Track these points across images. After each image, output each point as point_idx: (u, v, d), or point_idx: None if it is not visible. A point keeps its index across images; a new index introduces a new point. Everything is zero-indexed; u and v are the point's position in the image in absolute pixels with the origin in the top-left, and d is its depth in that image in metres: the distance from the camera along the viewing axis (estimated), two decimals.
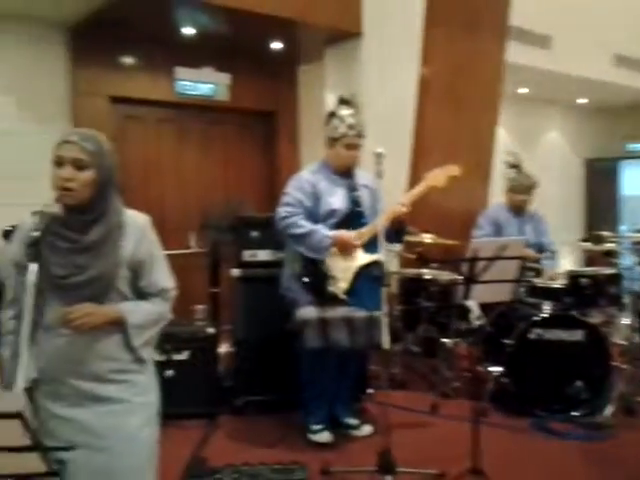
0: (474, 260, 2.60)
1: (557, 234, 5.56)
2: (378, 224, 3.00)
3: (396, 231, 3.20)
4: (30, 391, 1.63)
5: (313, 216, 3.14)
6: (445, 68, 5.15)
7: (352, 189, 3.24)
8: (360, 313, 3.10)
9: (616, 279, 3.79)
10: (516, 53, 6.45)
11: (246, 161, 5.96)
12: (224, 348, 3.92)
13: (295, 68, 6.24)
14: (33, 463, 1.15)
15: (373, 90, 5.29)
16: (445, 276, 4.20)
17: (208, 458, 2.86)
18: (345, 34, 5.33)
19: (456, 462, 2.72)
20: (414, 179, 5.23)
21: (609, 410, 3.41)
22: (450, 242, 4.10)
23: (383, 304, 2.73)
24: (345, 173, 3.25)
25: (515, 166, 4.28)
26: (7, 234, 3.52)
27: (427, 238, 4.14)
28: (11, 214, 3.96)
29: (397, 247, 4.32)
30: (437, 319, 4.15)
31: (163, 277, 1.82)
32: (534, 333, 3.50)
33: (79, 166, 1.64)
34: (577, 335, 3.50)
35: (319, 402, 3.29)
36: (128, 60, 5.19)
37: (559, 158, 8.62)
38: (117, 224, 1.73)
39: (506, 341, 3.55)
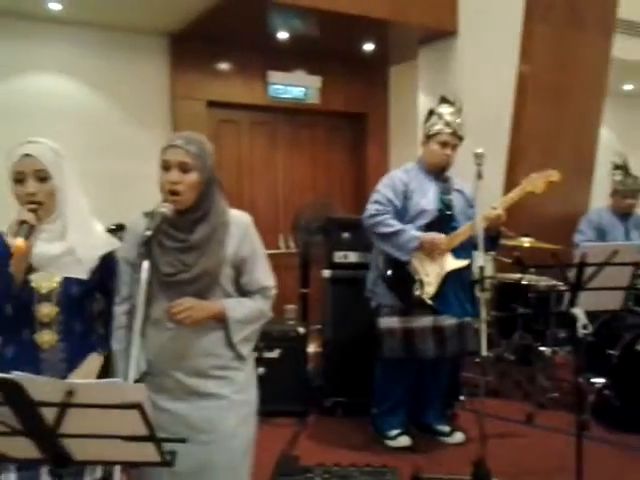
0: (582, 266, 2.45)
1: None
2: (470, 229, 2.95)
3: (491, 237, 3.05)
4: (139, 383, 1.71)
5: (402, 216, 3.09)
6: (545, 65, 4.93)
7: (445, 192, 3.17)
8: (449, 321, 3.03)
9: None
10: (622, 47, 6.09)
11: (335, 163, 6.00)
12: (313, 348, 3.96)
13: (386, 69, 6.22)
14: (147, 452, 1.20)
15: (468, 90, 5.15)
16: (544, 282, 4.02)
17: (298, 457, 2.89)
18: (440, 33, 5.24)
19: (553, 475, 2.60)
20: (510, 181, 5.05)
21: None
22: (550, 246, 3.91)
23: (481, 310, 2.65)
24: (439, 175, 3.19)
25: (622, 167, 4.03)
26: (110, 232, 3.74)
27: (525, 242, 3.98)
28: (116, 214, 4.23)
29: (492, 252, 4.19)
30: (534, 326, 3.98)
31: (264, 275, 1.84)
32: None
33: (184, 169, 1.70)
34: None
35: (393, 409, 3.24)
36: (224, 65, 5.38)
37: None
38: (222, 223, 1.77)
39: (611, 352, 3.35)
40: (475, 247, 2.98)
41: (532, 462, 3.00)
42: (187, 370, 1.74)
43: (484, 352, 2.66)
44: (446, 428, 3.28)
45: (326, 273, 3.66)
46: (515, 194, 3.16)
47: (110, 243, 1.85)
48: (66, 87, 4.82)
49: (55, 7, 4.41)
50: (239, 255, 1.77)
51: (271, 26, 4.92)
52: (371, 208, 3.10)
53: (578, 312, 2.50)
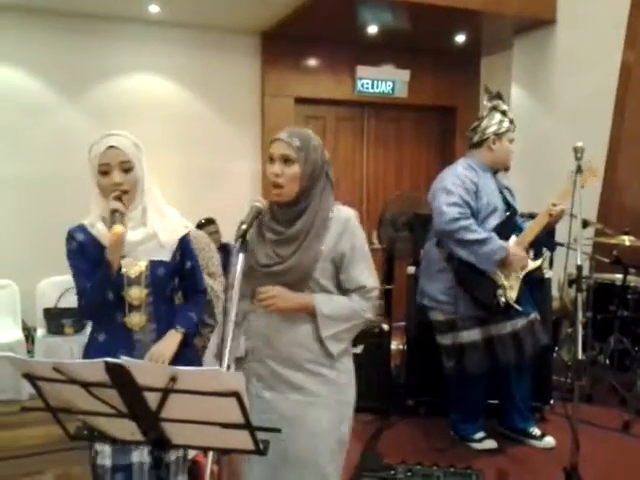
0: None
1: None
2: (539, 227, 2.88)
3: (548, 235, 2.98)
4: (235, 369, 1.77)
5: (474, 216, 2.93)
6: None
7: (502, 189, 3.07)
8: (522, 321, 2.94)
9: None
10: None
11: (422, 158, 5.93)
12: (396, 345, 3.93)
13: (478, 61, 6.06)
14: (242, 439, 1.23)
15: (566, 80, 4.95)
16: None
17: (382, 454, 2.90)
18: (537, 22, 5.04)
19: None
20: (609, 177, 4.80)
21: None
22: None
23: (578, 311, 2.54)
24: (493, 172, 3.07)
25: None
26: (201, 227, 3.90)
27: (625, 240, 3.76)
28: (209, 208, 4.38)
29: (587, 249, 4.01)
30: (632, 329, 3.76)
31: (364, 274, 1.79)
32: None
33: (286, 161, 1.73)
34: None
35: (473, 414, 3.17)
36: (312, 62, 5.44)
37: None
38: (322, 217, 1.77)
39: None
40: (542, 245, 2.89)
41: (628, 472, 2.85)
42: (280, 359, 1.77)
43: (580, 355, 2.54)
44: (536, 431, 3.17)
45: (411, 269, 3.62)
46: (569, 187, 2.88)
47: (185, 226, 1.94)
48: (163, 86, 5.06)
49: (154, 9, 4.62)
50: (338, 250, 1.76)
51: (360, 21, 4.91)
52: (452, 211, 2.88)
53: None
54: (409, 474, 2.71)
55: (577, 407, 3.38)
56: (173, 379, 1.15)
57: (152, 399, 1.20)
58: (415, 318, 3.58)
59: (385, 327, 3.65)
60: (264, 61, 5.28)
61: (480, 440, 3.13)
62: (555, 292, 4.28)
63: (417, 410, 3.56)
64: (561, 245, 3.57)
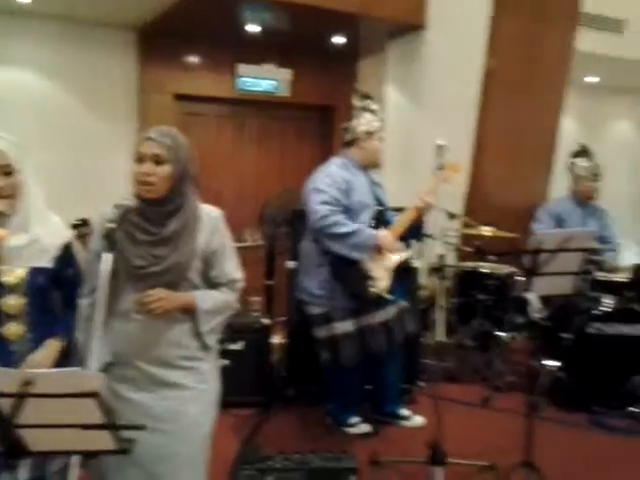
0: (537, 252, 2.56)
1: (627, 227, 5.39)
2: (407, 221, 3.08)
3: (417, 227, 3.20)
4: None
5: (346, 213, 3.08)
6: (511, 58, 5.05)
7: (374, 186, 3.25)
8: (392, 310, 3.14)
9: None
10: (586, 40, 6.24)
11: (304, 156, 6.06)
12: (278, 339, 4.04)
13: (355, 62, 6.28)
14: (104, 440, 1.24)
15: (436, 82, 5.25)
16: (503, 269, 4.17)
17: (260, 446, 2.99)
18: (409, 27, 5.31)
19: (507, 455, 2.73)
20: (476, 173, 5.20)
21: None
22: (510, 235, 4.06)
23: (439, 297, 2.76)
24: (365, 170, 3.25)
25: (583, 153, 4.19)
26: (75, 228, 3.78)
27: (486, 231, 4.12)
28: (82, 208, 4.24)
29: (454, 240, 4.33)
30: (493, 313, 4.12)
31: (233, 268, 1.89)
32: (594, 327, 3.45)
33: (158, 161, 1.75)
34: (638, 330, 3.42)
35: (348, 402, 3.33)
36: (192, 59, 5.40)
37: (629, 148, 8.28)
38: (193, 216, 1.81)
39: (564, 335, 3.51)
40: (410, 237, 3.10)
41: (487, 443, 3.14)
42: (153, 360, 1.78)
43: (441, 337, 2.77)
44: (405, 412, 3.40)
45: (290, 265, 3.73)
46: (434, 183, 3.19)
47: (67, 232, 1.92)
48: (34, 81, 4.82)
49: (25, 0, 4.39)
50: (209, 248, 1.82)
51: (240, 19, 4.94)
52: (322, 209, 3.03)
53: (531, 297, 2.63)
54: (286, 462, 2.82)
55: (442, 387, 3.69)
56: (27, 383, 1.15)
57: (6, 405, 1.18)
58: (295, 312, 3.69)
59: (265, 322, 3.74)
60: (142, 57, 5.17)
61: (355, 425, 3.30)
62: (425, 281, 4.59)
63: (298, 401, 3.67)
64: (429, 237, 3.85)
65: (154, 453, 1.77)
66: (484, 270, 4.20)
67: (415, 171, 5.17)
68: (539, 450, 2.70)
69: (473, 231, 4.21)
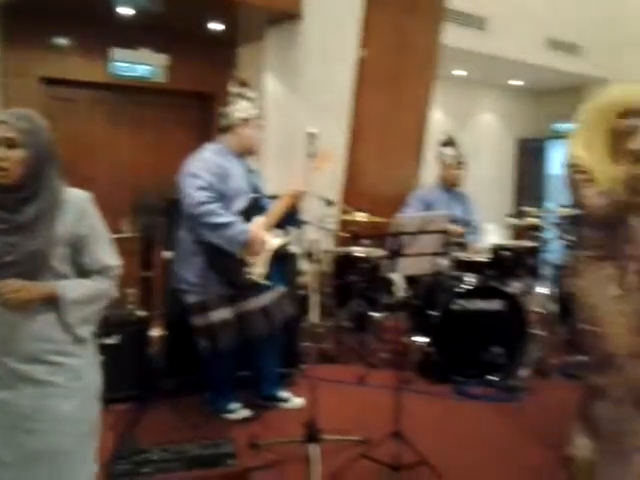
0: (398, 235, 2.71)
1: (490, 211, 5.80)
2: (283, 206, 3.12)
3: (292, 214, 3.25)
4: None
5: (221, 200, 3.05)
6: (383, 50, 5.25)
7: (249, 173, 3.26)
8: (270, 294, 3.18)
9: (534, 251, 4.01)
10: (453, 35, 6.61)
11: (183, 144, 5.93)
12: (157, 332, 3.95)
13: (235, 49, 6.23)
14: None
15: (313, 71, 5.34)
16: (376, 253, 4.35)
17: (137, 440, 2.93)
18: (286, 15, 5.34)
19: (380, 428, 2.86)
20: (352, 162, 5.37)
21: (523, 373, 3.64)
22: (381, 220, 4.24)
23: (313, 281, 2.83)
24: (241, 157, 3.24)
25: (450, 143, 4.45)
26: None
27: (360, 217, 4.28)
28: None
29: (331, 226, 4.45)
30: (367, 294, 4.30)
31: (106, 254, 1.82)
32: (457, 304, 3.69)
33: (10, 145, 1.66)
34: (497, 305, 3.72)
35: (227, 388, 3.34)
36: (61, 40, 5.10)
37: (493, 138, 8.90)
38: (53, 202, 1.72)
39: (431, 312, 3.74)
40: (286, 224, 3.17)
41: (362, 418, 3.28)
42: (17, 355, 1.69)
43: (319, 320, 2.84)
44: (285, 395, 3.47)
45: (167, 254, 3.66)
46: (310, 172, 3.21)
47: None
48: None
49: None
50: (76, 234, 1.74)
51: (111, 0, 4.74)
52: (199, 195, 2.99)
53: (396, 277, 2.78)
54: (163, 454, 2.80)
55: (320, 368, 3.79)
56: None
57: None
58: (173, 303, 3.63)
59: (141, 314, 3.65)
60: (4, 37, 4.81)
61: (235, 411, 3.32)
62: (305, 266, 4.69)
63: (177, 392, 3.61)
64: (307, 223, 3.92)
65: (24, 453, 1.69)
66: (358, 254, 4.36)
67: (294, 159, 5.25)
68: (409, 421, 2.88)
69: (349, 217, 4.36)
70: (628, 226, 2.27)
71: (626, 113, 2.18)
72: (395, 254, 2.64)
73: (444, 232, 2.78)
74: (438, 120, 8.19)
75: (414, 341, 3.90)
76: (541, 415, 3.22)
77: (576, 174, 2.25)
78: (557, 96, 8.62)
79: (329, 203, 4.33)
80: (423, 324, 3.86)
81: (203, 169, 3.05)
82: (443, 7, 5.67)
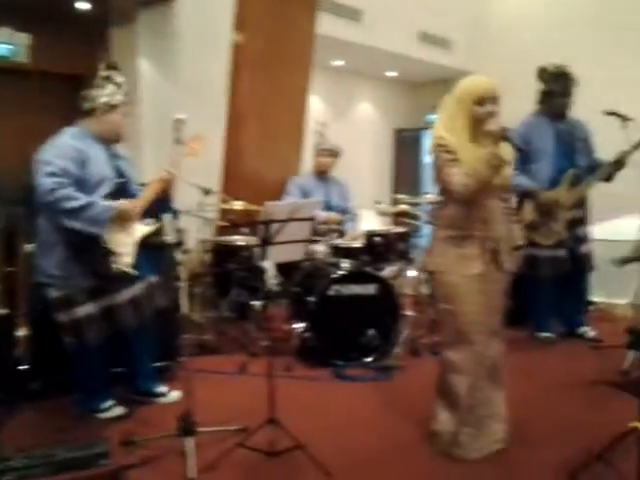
0: (268, 222, 2.71)
1: (369, 198, 5.97)
2: (153, 192, 3.04)
3: (163, 201, 3.16)
4: None
5: (81, 187, 2.90)
6: (258, 35, 5.21)
7: (114, 158, 3.14)
8: (140, 285, 3.09)
9: (405, 237, 4.19)
10: (330, 25, 6.70)
11: (47, 128, 5.54)
12: (22, 331, 3.69)
13: (106, 31, 5.91)
14: None
15: (189, 55, 5.20)
16: (253, 241, 4.34)
17: (0, 447, 2.73)
18: None
19: (259, 416, 2.87)
20: (231, 146, 5.29)
21: (396, 353, 3.81)
22: (258, 208, 4.23)
23: (181, 271, 2.77)
24: (104, 142, 3.11)
25: (320, 133, 4.55)
26: None
27: (237, 205, 4.24)
28: None
29: (211, 215, 4.38)
30: (247, 283, 4.28)
31: None
32: (333, 290, 3.77)
33: None
34: (370, 289, 3.84)
35: (98, 387, 3.20)
36: None
37: (371, 128, 9.18)
38: None
39: (309, 299, 3.79)
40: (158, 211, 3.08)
41: (241, 407, 3.26)
42: None
43: (185, 310, 2.79)
44: (162, 389, 3.38)
45: (28, 247, 3.43)
46: (179, 157, 3.16)
47: None
48: None
49: None
50: None
51: None
52: (47, 182, 2.80)
53: (267, 265, 2.78)
54: (26, 460, 2.62)
55: (201, 359, 3.75)
56: None
57: None
58: (36, 298, 3.40)
59: (3, 312, 3.39)
60: None
61: (108, 409, 3.18)
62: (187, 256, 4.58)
63: (45, 394, 3.41)
64: (180, 212, 3.83)
65: None
66: (236, 243, 4.33)
67: (170, 145, 5.10)
68: (288, 407, 2.91)
69: (227, 205, 4.31)
70: (486, 206, 2.44)
71: (480, 101, 2.37)
72: (265, 242, 2.65)
73: (312, 219, 2.82)
74: (318, 109, 8.30)
75: (293, 328, 3.94)
76: (413, 392, 3.38)
77: (442, 154, 2.41)
78: (431, 88, 9.02)
79: (206, 191, 4.27)
80: (302, 311, 3.91)
81: (56, 155, 2.89)
82: None
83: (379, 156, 9.22)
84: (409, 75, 8.95)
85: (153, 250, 3.23)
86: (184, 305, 2.82)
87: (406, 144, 9.06)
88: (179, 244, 2.81)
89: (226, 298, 4.38)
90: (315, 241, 4.00)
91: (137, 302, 3.07)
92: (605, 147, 4.09)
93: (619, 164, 3.84)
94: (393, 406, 3.22)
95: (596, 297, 5.70)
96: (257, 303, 4.13)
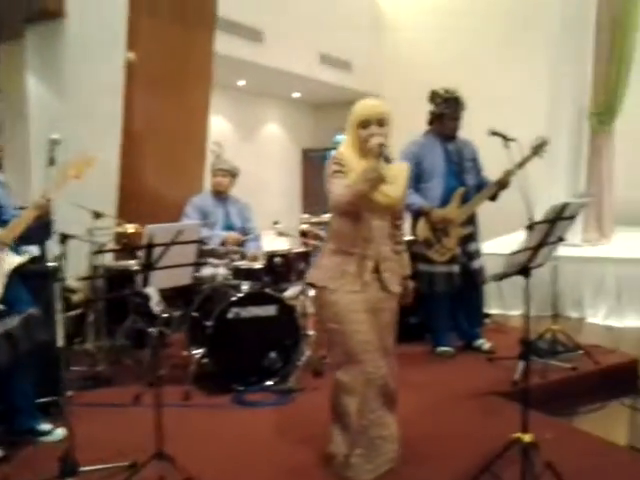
0: (150, 247, 2.59)
1: (279, 217, 5.96)
2: (28, 219, 2.86)
3: (44, 226, 3.02)
4: None
5: None
6: (153, 54, 5.11)
7: None
8: (13, 320, 2.88)
9: (306, 256, 4.17)
10: (231, 45, 6.69)
11: None
12: None
13: None
14: None
15: (80, 73, 5.02)
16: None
17: None
18: (46, 12, 4.94)
19: (151, 449, 2.71)
20: (127, 166, 5.12)
21: (298, 375, 3.76)
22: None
23: (56, 301, 2.60)
24: None
25: (216, 153, 4.49)
26: None
27: (130, 228, 4.08)
28: None
29: (104, 239, 4.18)
30: (143, 309, 4.10)
31: None
32: (232, 312, 3.68)
33: None
34: (271, 310, 3.78)
35: None
36: None
37: (279, 148, 9.23)
38: None
39: (206, 323, 3.68)
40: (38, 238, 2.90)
41: (133, 441, 3.08)
42: None
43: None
44: (46, 427, 3.15)
45: None
46: (63, 181, 2.98)
47: None
48: None
49: None
50: None
51: None
52: None
53: (151, 291, 2.66)
54: None
55: (91, 393, 3.54)
56: None
57: None
58: None
59: None
60: None
61: None
62: (76, 284, 4.35)
63: None
64: (67, 237, 3.63)
65: None
66: (133, 268, 4.15)
67: (58, 166, 4.85)
68: (185, 437, 2.77)
69: (121, 229, 4.14)
70: (369, 225, 2.45)
71: (363, 124, 2.41)
72: (147, 267, 2.53)
73: (200, 242, 2.74)
74: (223, 129, 8.23)
75: (192, 354, 3.81)
76: (314, 414, 3.32)
77: (332, 165, 2.44)
78: (334, 109, 9.19)
79: (97, 215, 4.08)
80: (200, 336, 3.79)
81: None
82: (213, 16, 5.70)
83: (288, 176, 9.27)
84: (313, 96, 9.10)
85: (30, 279, 3.03)
86: (62, 336, 2.64)
87: (314, 164, 9.18)
88: (57, 272, 2.64)
89: (122, 325, 4.18)
90: (202, 264, 3.92)
91: (12, 337, 2.84)
92: (491, 166, 4.29)
93: (502, 184, 4.03)
94: (292, 430, 3.16)
95: (493, 310, 5.96)
96: (154, 329, 3.96)
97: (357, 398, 2.41)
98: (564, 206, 2.41)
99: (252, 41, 6.83)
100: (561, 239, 2.55)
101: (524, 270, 2.37)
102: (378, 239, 2.46)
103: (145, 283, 2.62)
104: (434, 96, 4.25)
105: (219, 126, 7.85)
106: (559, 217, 2.41)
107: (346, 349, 2.41)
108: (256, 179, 8.28)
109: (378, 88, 9.04)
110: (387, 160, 2.32)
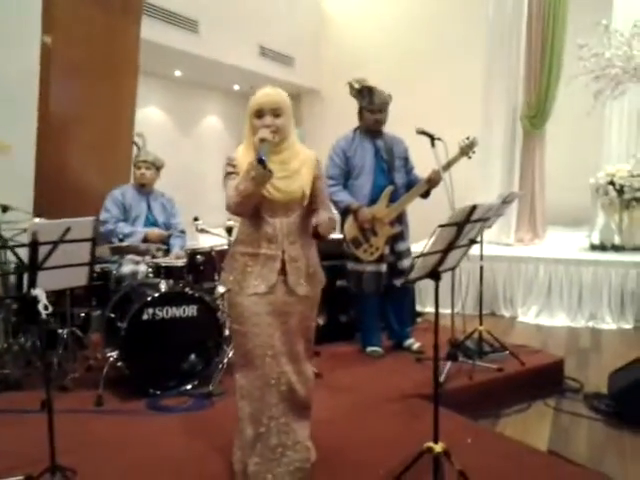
0: (35, 245, 2.36)
1: (218, 213, 5.77)
2: None
3: None
4: None
5: None
6: (71, 39, 4.82)
7: None
8: None
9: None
10: (167, 35, 6.44)
11: None
12: None
13: None
14: None
15: None
16: None
17: None
18: None
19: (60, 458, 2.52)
20: (45, 157, 4.82)
21: (219, 378, 3.60)
22: None
23: None
24: None
25: (137, 144, 4.29)
26: None
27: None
28: None
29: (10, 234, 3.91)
30: (56, 310, 3.86)
31: None
32: (147, 313, 3.49)
33: None
34: (191, 310, 3.61)
35: None
36: None
37: (219, 140, 9.00)
38: None
39: (119, 324, 3.49)
40: None
41: (36, 451, 2.87)
42: None
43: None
44: None
45: None
46: None
47: None
48: None
49: None
50: None
51: None
52: None
53: (39, 293, 2.42)
54: None
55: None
56: None
57: None
58: None
59: None
60: None
61: None
62: None
63: None
64: None
65: None
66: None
67: None
68: (91, 446, 2.57)
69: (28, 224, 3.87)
70: (272, 224, 2.33)
71: (258, 113, 2.32)
72: (34, 267, 2.33)
73: (92, 240, 2.53)
74: (160, 121, 7.95)
75: (108, 357, 3.60)
76: (231, 420, 3.19)
77: (225, 167, 2.35)
78: None
79: (4, 208, 3.82)
80: (115, 337, 3.59)
81: None
82: (140, 2, 5.45)
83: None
84: (255, 89, 8.92)
85: None
86: None
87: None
88: None
89: (32, 327, 3.92)
90: (97, 263, 3.71)
91: None
92: (422, 164, 4.23)
93: (432, 182, 3.96)
94: (206, 438, 3.00)
95: (428, 308, 5.95)
96: (63, 331, 3.74)
97: (251, 403, 2.29)
98: (472, 209, 2.33)
99: (187, 30, 6.59)
100: (473, 242, 2.49)
101: (434, 273, 2.29)
102: (284, 238, 2.34)
103: (31, 285, 2.39)
104: (350, 89, 4.12)
105: (156, 118, 7.59)
106: (467, 220, 2.33)
107: (245, 351, 2.30)
108: (195, 173, 8.04)
109: (320, 83, 8.93)
110: (260, 161, 2.14)
